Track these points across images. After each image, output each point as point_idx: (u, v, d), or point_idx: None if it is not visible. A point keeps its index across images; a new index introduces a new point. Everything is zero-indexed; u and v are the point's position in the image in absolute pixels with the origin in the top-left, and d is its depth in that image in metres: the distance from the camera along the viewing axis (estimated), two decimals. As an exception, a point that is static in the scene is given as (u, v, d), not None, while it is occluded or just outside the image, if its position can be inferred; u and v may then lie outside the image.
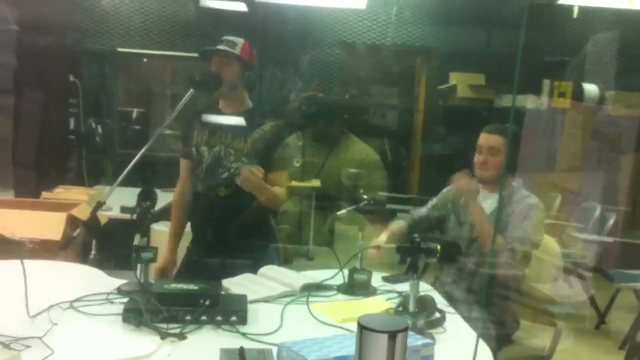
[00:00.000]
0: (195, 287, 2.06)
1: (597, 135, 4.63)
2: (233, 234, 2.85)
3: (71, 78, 6.25)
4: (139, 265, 2.20)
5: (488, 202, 2.92)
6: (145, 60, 6.73)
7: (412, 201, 5.49)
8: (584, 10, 5.81)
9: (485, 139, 2.93)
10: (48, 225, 3.63)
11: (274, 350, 1.71)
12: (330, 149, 5.45)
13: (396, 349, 1.07)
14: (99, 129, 6.35)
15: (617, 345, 4.21)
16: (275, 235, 3.12)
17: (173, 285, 2.08)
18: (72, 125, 6.19)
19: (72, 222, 3.81)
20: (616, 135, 4.57)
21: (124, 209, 4.10)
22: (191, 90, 2.60)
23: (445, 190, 3.11)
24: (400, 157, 7.37)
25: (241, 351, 1.68)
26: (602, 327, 4.55)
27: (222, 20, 5.67)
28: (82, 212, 3.92)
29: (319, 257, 5.57)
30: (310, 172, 5.61)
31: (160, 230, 4.00)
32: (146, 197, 2.27)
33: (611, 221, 4.39)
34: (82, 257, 3.44)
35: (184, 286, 2.07)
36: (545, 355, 2.76)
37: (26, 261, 2.25)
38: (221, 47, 2.76)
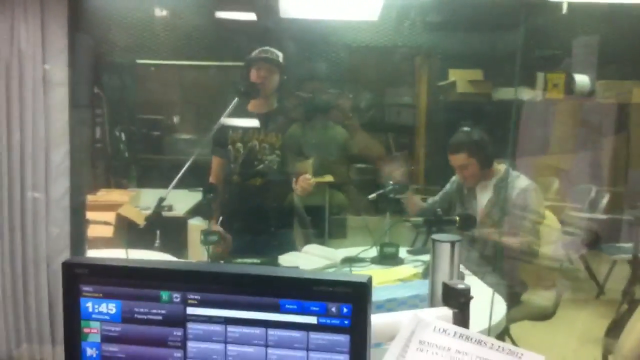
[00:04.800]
0: (258, 261, 2.48)
1: (584, 122, 5.08)
2: (272, 219, 3.28)
3: (95, 90, 6.65)
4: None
5: (486, 192, 3.29)
6: (161, 70, 7.14)
7: (419, 190, 5.88)
8: (573, 5, 6.19)
9: (452, 160, 3.27)
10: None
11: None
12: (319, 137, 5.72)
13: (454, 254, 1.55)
14: (123, 137, 6.78)
15: (614, 312, 4.63)
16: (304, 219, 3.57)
17: (239, 260, 2.50)
18: (98, 134, 6.59)
19: (120, 219, 4.26)
20: (599, 121, 5.01)
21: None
22: (236, 99, 3.02)
23: (452, 180, 3.51)
24: (405, 150, 7.74)
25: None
26: (602, 297, 4.96)
27: (237, 30, 6.05)
28: (128, 211, 4.37)
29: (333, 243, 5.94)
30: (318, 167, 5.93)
31: (195, 225, 4.45)
32: (210, 191, 2.74)
33: (604, 200, 4.82)
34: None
35: (247, 260, 2.49)
36: (549, 312, 3.19)
37: (111, 250, 2.70)
38: (269, 56, 3.20)
